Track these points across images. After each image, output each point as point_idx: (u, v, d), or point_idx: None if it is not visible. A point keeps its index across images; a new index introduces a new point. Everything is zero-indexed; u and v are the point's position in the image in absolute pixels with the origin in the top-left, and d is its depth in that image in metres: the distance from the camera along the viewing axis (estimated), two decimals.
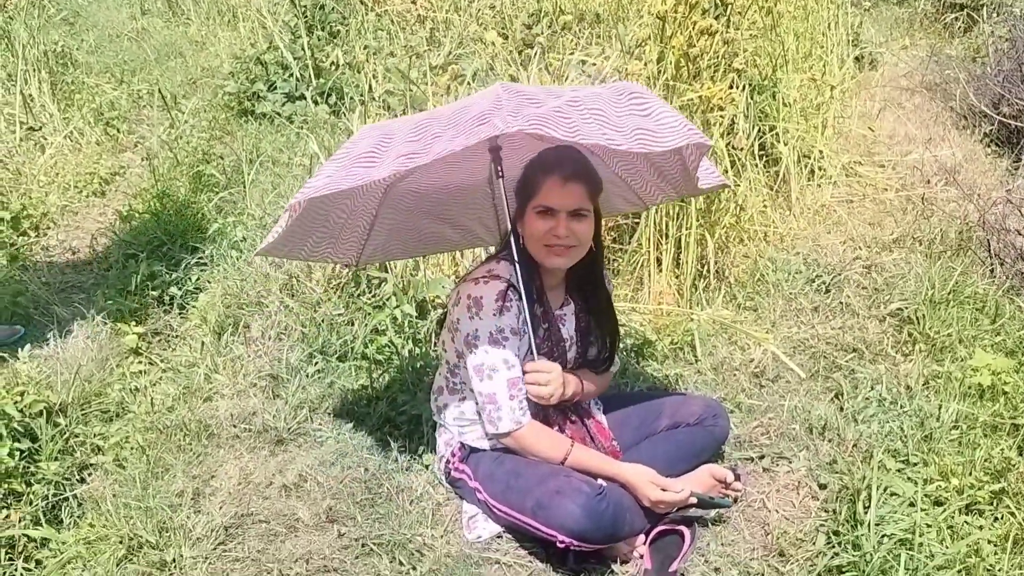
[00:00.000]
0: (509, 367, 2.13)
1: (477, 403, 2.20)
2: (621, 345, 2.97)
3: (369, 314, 3.09)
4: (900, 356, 3.01)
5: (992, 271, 3.54)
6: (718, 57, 3.80)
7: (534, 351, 2.15)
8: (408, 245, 2.60)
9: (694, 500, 2.18)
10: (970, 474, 2.27)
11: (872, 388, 2.77)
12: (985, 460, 2.32)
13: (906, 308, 3.23)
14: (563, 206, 2.10)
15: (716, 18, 3.96)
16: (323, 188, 1.93)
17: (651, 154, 2.23)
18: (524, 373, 2.16)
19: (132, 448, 2.58)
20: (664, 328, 3.24)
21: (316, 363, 2.94)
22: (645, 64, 3.61)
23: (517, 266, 2.13)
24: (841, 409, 2.71)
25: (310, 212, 2.13)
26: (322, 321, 3.08)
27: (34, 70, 6.09)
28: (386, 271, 3.28)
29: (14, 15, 6.91)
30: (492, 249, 2.65)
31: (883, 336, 3.13)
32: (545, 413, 2.25)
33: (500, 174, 2.13)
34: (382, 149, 1.95)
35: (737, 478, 2.36)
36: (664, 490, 2.13)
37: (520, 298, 2.13)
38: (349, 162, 1.97)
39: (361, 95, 5.18)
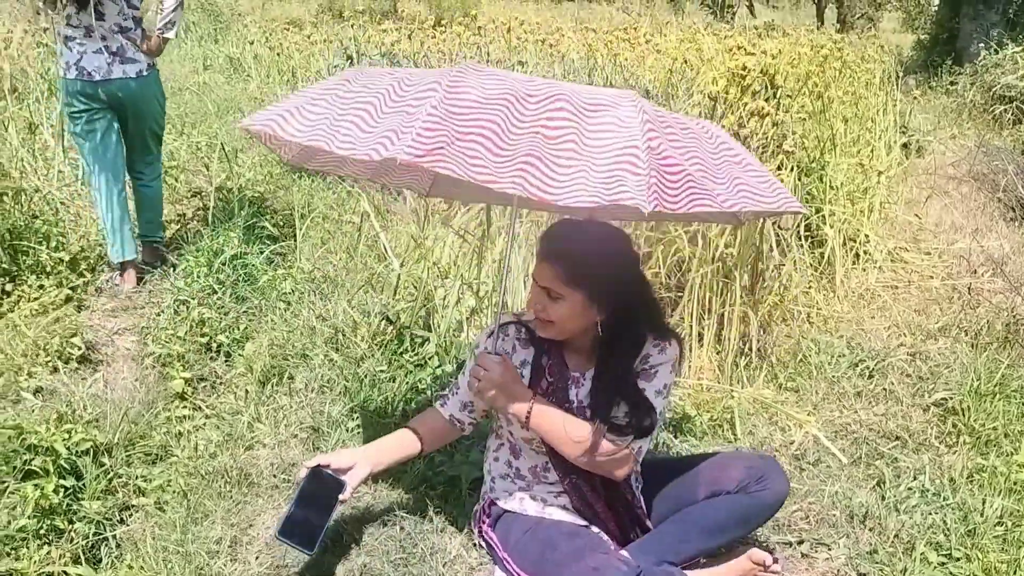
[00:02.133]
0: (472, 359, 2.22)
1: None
2: (661, 419, 2.97)
3: (411, 372, 3.13)
4: (944, 447, 2.97)
5: None
6: (768, 139, 3.86)
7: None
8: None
9: None
10: (1015, 573, 2.22)
11: (915, 478, 2.73)
12: None
13: (951, 398, 3.20)
14: (537, 279, 2.09)
15: (767, 100, 4.04)
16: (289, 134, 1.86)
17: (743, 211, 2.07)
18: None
19: (173, 492, 2.61)
20: (704, 404, 3.23)
21: (357, 418, 2.97)
22: None
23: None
24: (883, 498, 2.67)
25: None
26: (365, 376, 3.11)
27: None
28: (429, 329, 3.32)
29: None
30: None
31: (927, 425, 3.10)
32: (575, 483, 2.22)
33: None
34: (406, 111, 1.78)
35: (775, 561, 2.32)
36: None
37: (525, 340, 2.21)
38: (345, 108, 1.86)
39: None
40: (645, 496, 2.36)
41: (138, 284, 4.19)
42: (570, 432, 2.10)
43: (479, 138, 1.70)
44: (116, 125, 4.07)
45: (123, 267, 4.19)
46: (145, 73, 4.00)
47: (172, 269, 4.27)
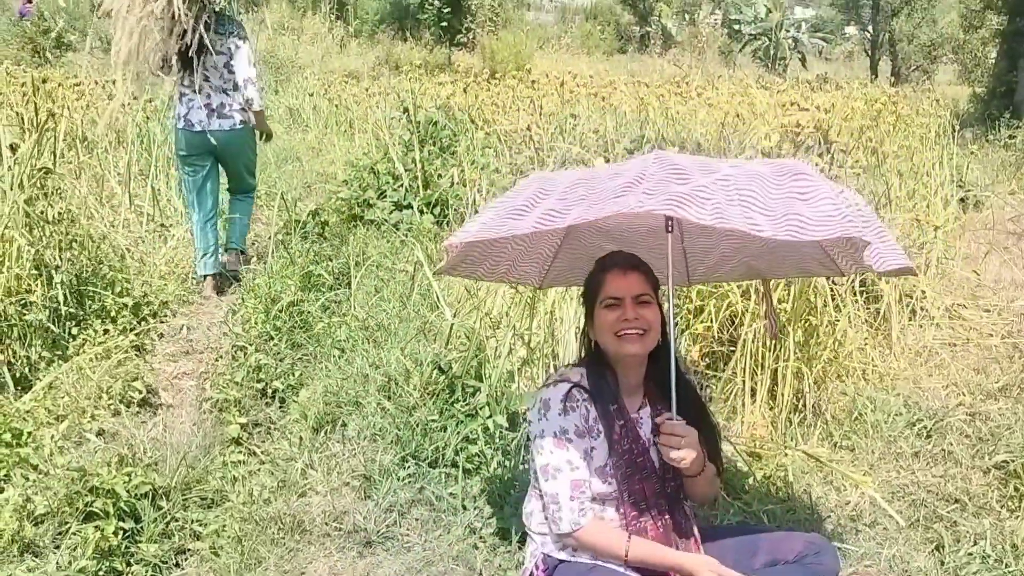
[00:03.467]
0: (573, 468, 2.16)
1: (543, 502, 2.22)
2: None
3: (462, 422, 3.15)
4: (1006, 511, 2.89)
5: None
6: None
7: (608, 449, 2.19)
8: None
9: None
10: None
11: (975, 543, 2.66)
12: None
13: (1012, 461, 3.11)
14: (627, 292, 2.20)
15: (820, 156, 4.04)
16: (475, 234, 2.12)
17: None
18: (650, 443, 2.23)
19: (228, 537, 2.66)
20: (757, 460, 3.20)
21: (408, 467, 2.99)
22: None
23: (587, 368, 2.24)
24: (942, 563, 2.60)
25: (481, 244, 2.33)
26: (416, 425, 3.15)
27: (164, 167, 6.56)
28: (481, 379, 3.35)
29: (151, 115, 7.48)
30: None
31: (988, 488, 3.02)
32: (641, 524, 2.22)
33: (670, 228, 2.19)
34: (537, 200, 2.06)
35: None
36: None
37: (589, 399, 2.20)
38: (505, 212, 2.10)
39: (464, 207, 5.40)
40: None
41: (217, 295, 4.96)
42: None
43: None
44: (214, 166, 4.98)
45: (205, 279, 5.00)
46: (238, 127, 4.90)
47: (230, 315, 4.38)
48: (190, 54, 4.66)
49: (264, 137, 5.27)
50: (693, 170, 1.94)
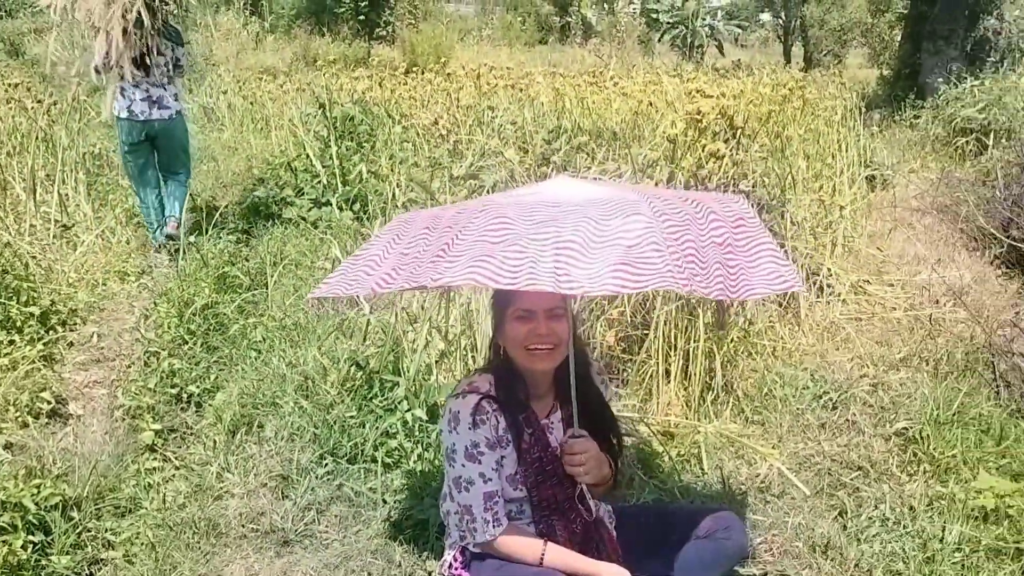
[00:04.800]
0: (485, 481, 2.19)
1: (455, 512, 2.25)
2: (628, 454, 3.02)
3: (380, 417, 3.15)
4: (904, 476, 3.03)
5: (998, 393, 3.57)
6: (727, 178, 3.95)
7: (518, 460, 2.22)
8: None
9: None
10: None
11: (876, 507, 2.78)
12: None
13: (911, 428, 3.26)
14: (540, 306, 2.16)
15: (726, 142, 4.14)
16: (328, 291, 2.11)
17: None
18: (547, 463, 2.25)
19: (142, 544, 2.62)
20: (671, 439, 3.28)
21: (326, 465, 2.99)
22: (656, 184, 3.76)
23: (496, 376, 2.23)
24: (844, 528, 2.71)
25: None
26: (334, 423, 3.14)
27: (71, 171, 6.37)
28: (399, 375, 3.36)
29: (57, 119, 7.25)
30: None
31: (888, 455, 3.15)
32: (551, 525, 2.28)
33: None
34: (386, 254, 2.07)
35: None
36: None
37: (499, 409, 2.21)
38: (359, 265, 2.10)
39: (384, 203, 5.39)
40: (619, 536, 2.43)
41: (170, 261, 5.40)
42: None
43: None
44: (152, 151, 5.62)
45: (161, 248, 5.58)
46: (175, 117, 5.61)
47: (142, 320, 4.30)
48: (148, 57, 5.41)
49: None
50: (517, 221, 1.85)
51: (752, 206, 4.12)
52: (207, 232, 5.41)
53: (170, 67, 5.59)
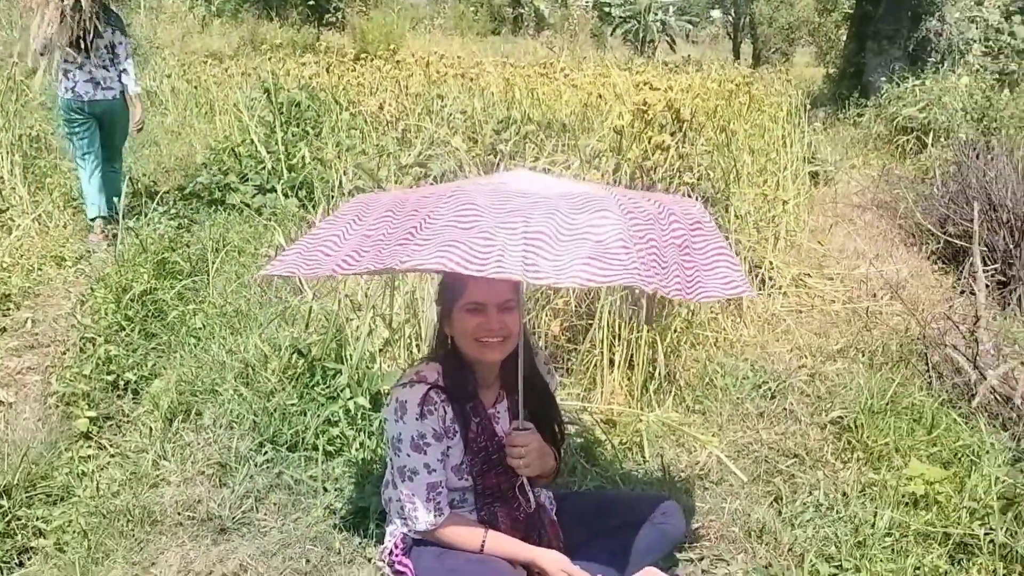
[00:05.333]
0: (429, 471, 2.20)
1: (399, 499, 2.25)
2: (571, 442, 3.03)
3: (323, 405, 3.12)
4: (839, 463, 3.09)
5: (930, 384, 3.66)
6: (672, 170, 3.98)
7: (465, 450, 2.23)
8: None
9: None
10: None
11: (810, 493, 2.84)
12: (916, 568, 2.38)
13: (846, 417, 3.33)
14: (491, 299, 2.16)
15: (672, 134, 4.18)
16: (283, 269, 2.09)
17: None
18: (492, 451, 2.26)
19: (74, 532, 2.57)
20: (614, 427, 3.31)
21: (266, 452, 2.95)
22: (602, 175, 3.78)
23: (444, 366, 2.23)
24: (780, 513, 2.77)
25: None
26: (275, 410, 3.10)
27: (7, 153, 6.19)
28: (342, 362, 3.33)
29: None
30: None
31: (823, 443, 3.22)
32: (494, 512, 2.29)
33: None
34: (347, 235, 2.05)
35: None
36: None
37: (447, 399, 2.21)
38: (316, 244, 2.09)
39: (330, 190, 5.33)
40: (560, 522, 2.45)
41: (105, 240, 5.47)
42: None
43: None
44: (96, 131, 5.66)
45: (95, 221, 5.62)
46: (117, 97, 5.68)
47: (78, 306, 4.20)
48: (88, 39, 5.46)
49: (138, 126, 5.95)
50: (487, 210, 1.86)
51: (697, 199, 4.18)
52: (147, 217, 5.29)
53: (112, 50, 5.64)
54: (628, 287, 1.78)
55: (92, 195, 5.67)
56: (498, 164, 4.51)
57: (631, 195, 2.13)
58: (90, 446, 3.11)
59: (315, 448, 2.96)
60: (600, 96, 6.44)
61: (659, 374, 3.61)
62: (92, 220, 5.64)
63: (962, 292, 4.94)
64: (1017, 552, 2.36)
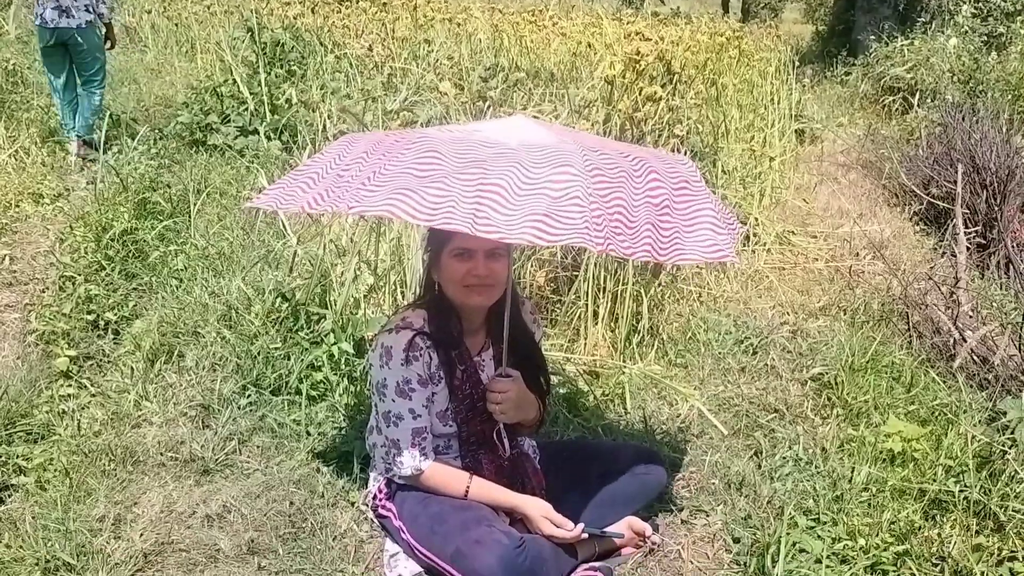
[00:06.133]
0: (414, 417, 2.20)
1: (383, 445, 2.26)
2: (554, 393, 3.04)
3: (306, 349, 3.11)
4: (818, 419, 3.13)
5: (910, 343, 3.70)
6: (662, 123, 3.96)
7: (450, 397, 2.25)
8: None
9: (586, 536, 2.24)
10: (876, 535, 2.36)
11: (790, 448, 2.87)
12: (891, 523, 2.42)
13: (827, 373, 3.37)
14: (479, 246, 2.14)
15: (663, 86, 4.14)
16: (267, 202, 2.11)
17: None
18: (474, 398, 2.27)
19: (55, 471, 2.55)
20: (597, 379, 3.32)
21: (249, 395, 2.94)
22: (592, 125, 3.75)
23: (430, 313, 2.23)
24: (759, 467, 2.80)
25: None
26: (258, 354, 3.08)
27: None
28: (326, 308, 3.31)
29: None
30: None
31: (804, 399, 3.25)
32: (478, 459, 2.30)
33: None
34: (326, 172, 2.04)
35: (656, 529, 2.43)
36: (558, 526, 2.19)
37: (432, 346, 2.20)
38: (297, 179, 2.09)
39: (314, 134, 5.25)
40: (543, 470, 2.47)
41: (83, 160, 5.86)
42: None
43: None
44: (66, 56, 5.96)
45: (73, 141, 5.97)
46: (84, 26, 5.87)
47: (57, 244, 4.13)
48: None
49: (109, 44, 6.28)
50: (447, 159, 1.84)
51: (686, 154, 4.16)
52: (127, 155, 5.20)
53: None
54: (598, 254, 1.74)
55: (65, 117, 6.03)
56: (486, 111, 4.45)
57: (607, 150, 2.08)
58: (70, 385, 3.08)
59: (298, 392, 2.95)
60: (590, 46, 6.37)
61: (643, 327, 3.62)
62: (68, 139, 6.03)
63: (943, 253, 4.97)
64: (990, 509, 2.41)
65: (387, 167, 1.86)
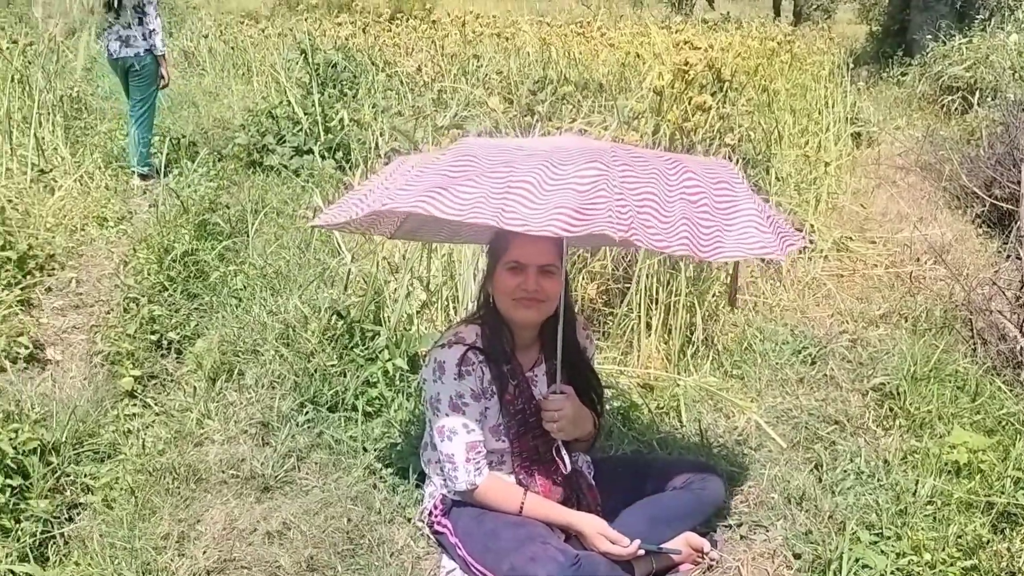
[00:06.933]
0: (468, 431, 2.22)
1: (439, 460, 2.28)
2: (608, 407, 3.03)
3: (362, 366, 3.15)
4: (880, 430, 3.06)
5: (974, 350, 3.60)
6: (713, 132, 3.93)
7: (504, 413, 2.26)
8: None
9: (642, 552, 2.21)
10: (943, 550, 2.30)
11: (851, 461, 2.81)
12: (958, 537, 2.35)
13: (888, 383, 3.29)
14: (532, 260, 2.17)
15: (713, 95, 4.11)
16: (337, 216, 2.21)
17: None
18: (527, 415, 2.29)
19: (121, 489, 2.62)
20: (651, 392, 3.30)
21: (307, 412, 2.99)
22: (641, 136, 3.73)
23: (483, 328, 2.25)
24: (820, 480, 2.75)
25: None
26: (315, 371, 3.13)
27: (49, 114, 6.26)
28: (380, 324, 3.35)
29: (33, 60, 7.10)
30: None
31: (865, 410, 3.19)
32: (532, 475, 2.30)
33: None
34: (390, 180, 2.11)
35: (714, 545, 2.40)
36: (613, 543, 2.17)
37: (484, 360, 2.22)
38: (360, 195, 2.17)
39: (366, 152, 5.33)
40: (598, 486, 2.46)
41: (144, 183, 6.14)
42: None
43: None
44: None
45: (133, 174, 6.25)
46: (140, 55, 6.10)
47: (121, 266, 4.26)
48: (117, 1, 6.01)
49: (164, 81, 6.36)
50: (480, 160, 1.91)
51: (737, 162, 4.12)
52: (187, 178, 5.33)
53: (140, 9, 6.07)
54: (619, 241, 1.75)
55: (131, 146, 6.29)
56: (535, 125, 4.47)
57: (641, 153, 2.12)
58: (135, 404, 3.17)
59: (355, 409, 2.99)
60: (638, 56, 6.35)
61: (697, 339, 3.59)
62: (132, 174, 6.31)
63: (1008, 257, 4.82)
64: None
65: (424, 169, 1.95)
